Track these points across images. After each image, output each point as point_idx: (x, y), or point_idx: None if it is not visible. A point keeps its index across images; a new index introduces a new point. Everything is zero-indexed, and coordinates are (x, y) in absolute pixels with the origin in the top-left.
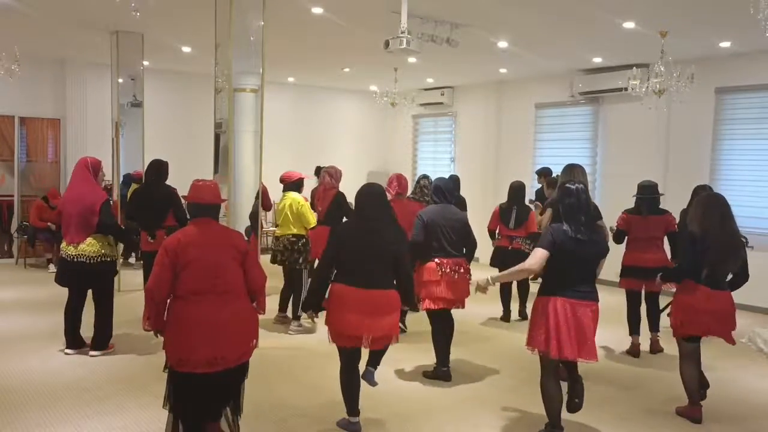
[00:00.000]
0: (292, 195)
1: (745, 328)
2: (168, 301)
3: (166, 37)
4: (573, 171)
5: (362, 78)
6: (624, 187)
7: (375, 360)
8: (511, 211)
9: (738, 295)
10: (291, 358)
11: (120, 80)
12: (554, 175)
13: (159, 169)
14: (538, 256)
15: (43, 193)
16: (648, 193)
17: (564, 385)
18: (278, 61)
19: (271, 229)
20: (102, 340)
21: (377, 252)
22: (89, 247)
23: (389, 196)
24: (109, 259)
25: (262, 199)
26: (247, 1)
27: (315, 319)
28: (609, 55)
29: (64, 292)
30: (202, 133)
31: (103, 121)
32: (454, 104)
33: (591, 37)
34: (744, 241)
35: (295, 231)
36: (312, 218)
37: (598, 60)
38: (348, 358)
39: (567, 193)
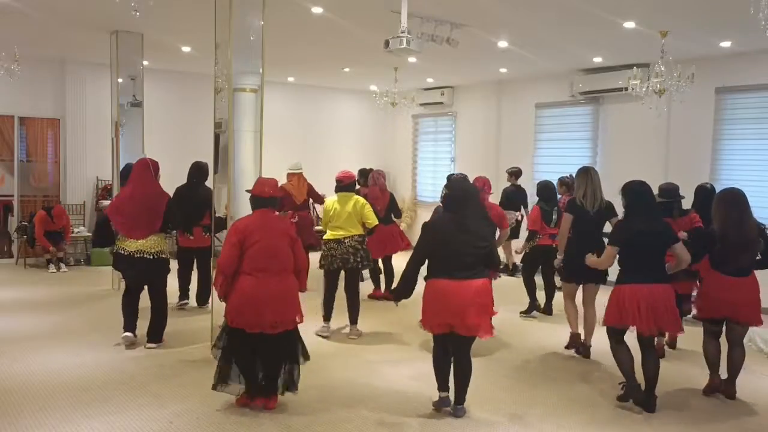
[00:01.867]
0: (356, 196)
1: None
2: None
3: (165, 37)
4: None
5: (362, 78)
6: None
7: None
8: (552, 211)
9: None
10: None
11: (120, 80)
12: (568, 175)
13: (201, 170)
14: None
15: (43, 192)
16: (675, 196)
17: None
18: (278, 61)
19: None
20: (158, 333)
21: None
22: (149, 242)
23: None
24: (164, 256)
25: (315, 194)
26: (247, 1)
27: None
28: (609, 55)
29: (64, 292)
30: (202, 133)
31: (103, 120)
32: (454, 104)
33: (591, 37)
34: (763, 227)
35: (359, 231)
36: (375, 218)
37: (598, 60)
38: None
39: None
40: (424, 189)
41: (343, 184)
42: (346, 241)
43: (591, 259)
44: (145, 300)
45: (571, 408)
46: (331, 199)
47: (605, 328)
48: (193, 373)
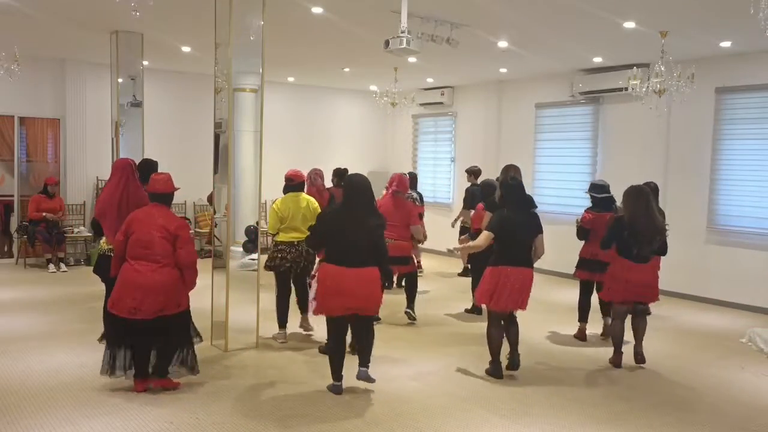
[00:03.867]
0: (305, 195)
1: (745, 328)
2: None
3: (165, 37)
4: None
5: (362, 78)
6: (624, 186)
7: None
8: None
9: (738, 295)
10: (291, 359)
11: (120, 80)
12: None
13: (153, 168)
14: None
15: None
16: (607, 192)
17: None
18: (278, 61)
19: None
20: None
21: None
22: None
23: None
24: None
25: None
26: (247, 1)
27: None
28: (609, 55)
29: (64, 292)
30: (202, 133)
31: (103, 120)
32: (454, 104)
33: (591, 37)
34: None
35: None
36: None
37: (598, 60)
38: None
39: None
40: (424, 189)
41: (293, 183)
42: (299, 244)
43: (468, 243)
44: None
45: (571, 408)
46: (279, 200)
47: (484, 309)
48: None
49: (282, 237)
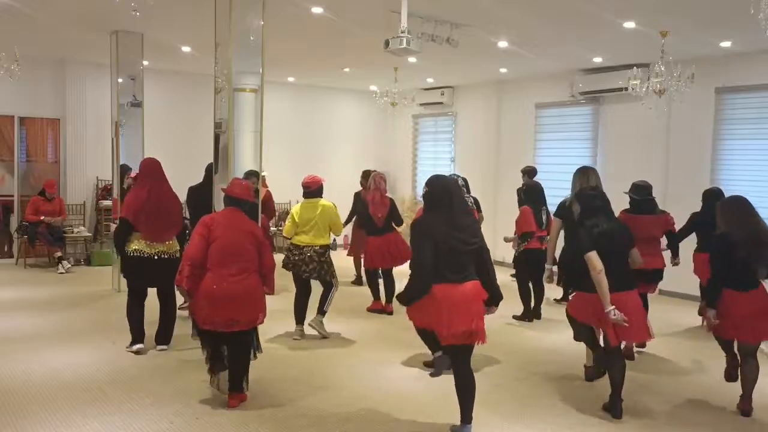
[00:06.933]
0: (323, 201)
1: None
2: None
3: (165, 36)
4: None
5: (362, 78)
6: (624, 186)
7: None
8: (540, 211)
9: None
10: (293, 359)
11: (120, 80)
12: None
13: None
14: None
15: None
16: (649, 194)
17: None
18: (278, 61)
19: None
20: (168, 335)
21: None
22: (173, 243)
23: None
24: (179, 256)
25: (268, 207)
26: (247, 1)
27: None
28: (609, 55)
29: (64, 292)
30: (202, 133)
31: (103, 121)
32: (454, 104)
33: (591, 37)
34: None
35: (323, 242)
36: (342, 226)
37: (598, 60)
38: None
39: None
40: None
41: (311, 190)
42: (305, 249)
43: None
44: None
45: (571, 409)
46: (297, 206)
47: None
48: (193, 373)
49: (295, 240)
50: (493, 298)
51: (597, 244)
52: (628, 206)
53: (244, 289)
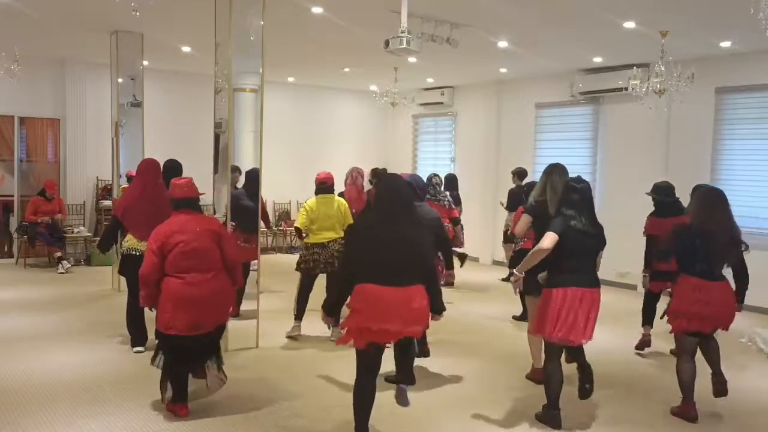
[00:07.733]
0: (337, 198)
1: (745, 328)
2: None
3: (165, 36)
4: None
5: (362, 78)
6: (624, 186)
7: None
8: None
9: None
10: (291, 359)
11: (120, 80)
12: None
13: (176, 169)
14: (550, 238)
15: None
16: (672, 195)
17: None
18: (278, 61)
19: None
20: None
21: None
22: None
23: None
24: None
25: (264, 219)
26: (247, 1)
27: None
28: (609, 55)
29: (64, 292)
30: (202, 133)
31: (103, 121)
32: (454, 104)
33: (591, 37)
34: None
35: (342, 234)
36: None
37: (598, 60)
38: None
39: (573, 190)
40: None
41: (326, 186)
42: (330, 245)
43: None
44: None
45: (571, 409)
46: (312, 200)
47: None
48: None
49: (313, 239)
50: (434, 305)
51: (567, 238)
52: (652, 208)
53: (210, 292)
